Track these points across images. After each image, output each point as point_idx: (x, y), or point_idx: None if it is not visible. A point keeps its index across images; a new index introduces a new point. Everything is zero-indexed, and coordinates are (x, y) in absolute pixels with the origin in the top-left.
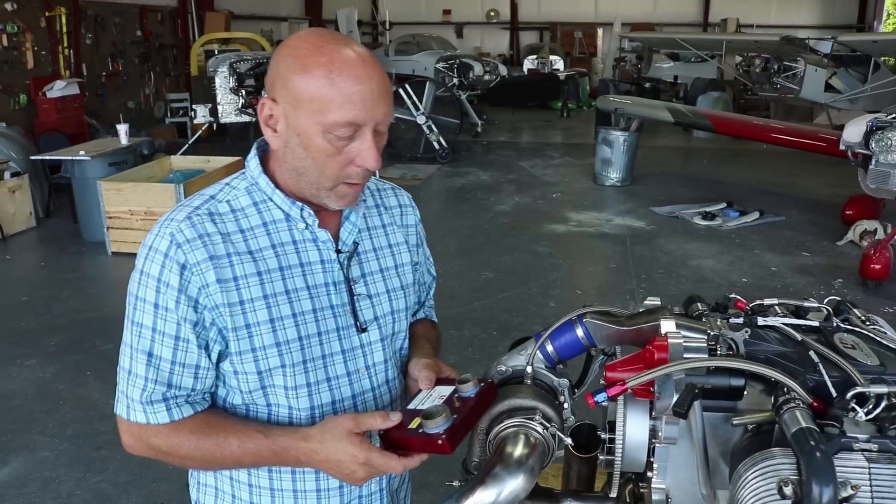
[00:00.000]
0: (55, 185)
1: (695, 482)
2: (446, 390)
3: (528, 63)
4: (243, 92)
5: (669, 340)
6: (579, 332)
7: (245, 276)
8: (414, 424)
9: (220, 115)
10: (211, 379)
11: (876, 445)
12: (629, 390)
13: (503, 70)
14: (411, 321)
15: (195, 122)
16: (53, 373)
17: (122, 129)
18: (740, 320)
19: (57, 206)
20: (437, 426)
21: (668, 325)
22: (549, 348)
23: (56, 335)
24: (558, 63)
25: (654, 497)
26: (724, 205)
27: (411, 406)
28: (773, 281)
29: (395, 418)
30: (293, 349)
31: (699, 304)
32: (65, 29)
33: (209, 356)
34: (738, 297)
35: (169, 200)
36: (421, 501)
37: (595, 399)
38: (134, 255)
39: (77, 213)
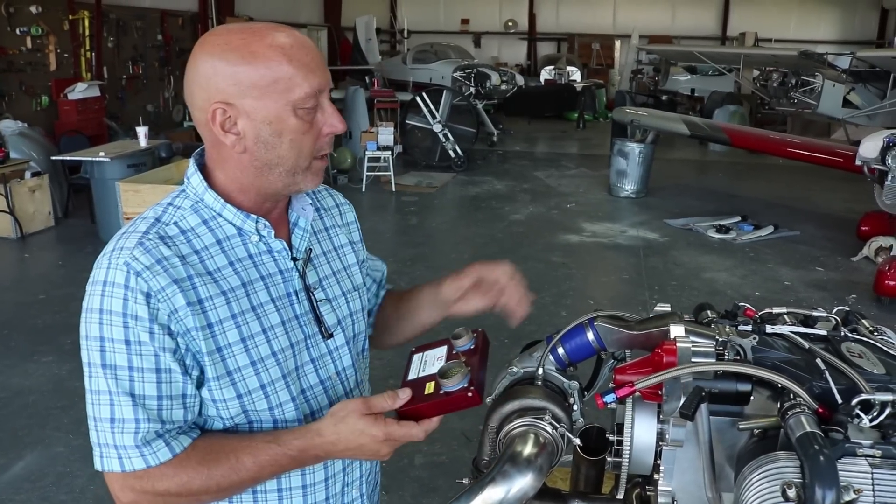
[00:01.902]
0: (74, 185)
1: (700, 485)
2: (441, 351)
3: (545, 73)
4: None
5: (678, 344)
6: (590, 335)
7: (210, 297)
8: (429, 390)
9: None
10: (198, 406)
11: (879, 451)
12: (637, 393)
13: (520, 80)
14: (382, 300)
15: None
16: (69, 370)
17: (142, 131)
18: (749, 328)
19: (75, 207)
20: (459, 382)
21: (677, 330)
22: (561, 351)
23: (72, 333)
24: (575, 74)
25: (661, 500)
26: (739, 218)
27: (411, 377)
28: (786, 295)
29: (404, 395)
30: (269, 366)
31: (709, 312)
32: (87, 32)
33: (192, 382)
34: (748, 305)
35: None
36: None
37: (604, 400)
38: None
39: (95, 213)
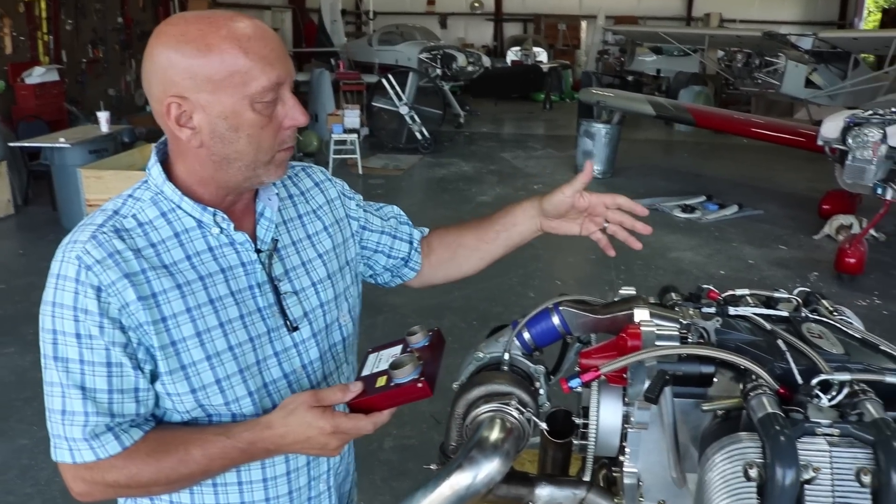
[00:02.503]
0: (34, 172)
1: (665, 466)
2: (395, 350)
3: (512, 54)
4: None
5: (642, 328)
6: (555, 320)
7: (164, 290)
8: (380, 383)
9: None
10: (152, 399)
11: (837, 430)
12: (602, 377)
13: (486, 61)
14: (430, 241)
15: None
16: (32, 361)
17: (103, 116)
18: (712, 310)
19: (36, 194)
20: (410, 373)
21: (641, 314)
22: (526, 336)
23: (35, 323)
24: (542, 55)
25: (626, 481)
26: (704, 198)
27: (365, 373)
28: (750, 273)
29: (355, 388)
30: (225, 360)
31: (673, 294)
32: (44, 14)
33: (145, 377)
34: (711, 288)
35: None
36: (400, 488)
37: (569, 385)
38: None
39: (56, 200)
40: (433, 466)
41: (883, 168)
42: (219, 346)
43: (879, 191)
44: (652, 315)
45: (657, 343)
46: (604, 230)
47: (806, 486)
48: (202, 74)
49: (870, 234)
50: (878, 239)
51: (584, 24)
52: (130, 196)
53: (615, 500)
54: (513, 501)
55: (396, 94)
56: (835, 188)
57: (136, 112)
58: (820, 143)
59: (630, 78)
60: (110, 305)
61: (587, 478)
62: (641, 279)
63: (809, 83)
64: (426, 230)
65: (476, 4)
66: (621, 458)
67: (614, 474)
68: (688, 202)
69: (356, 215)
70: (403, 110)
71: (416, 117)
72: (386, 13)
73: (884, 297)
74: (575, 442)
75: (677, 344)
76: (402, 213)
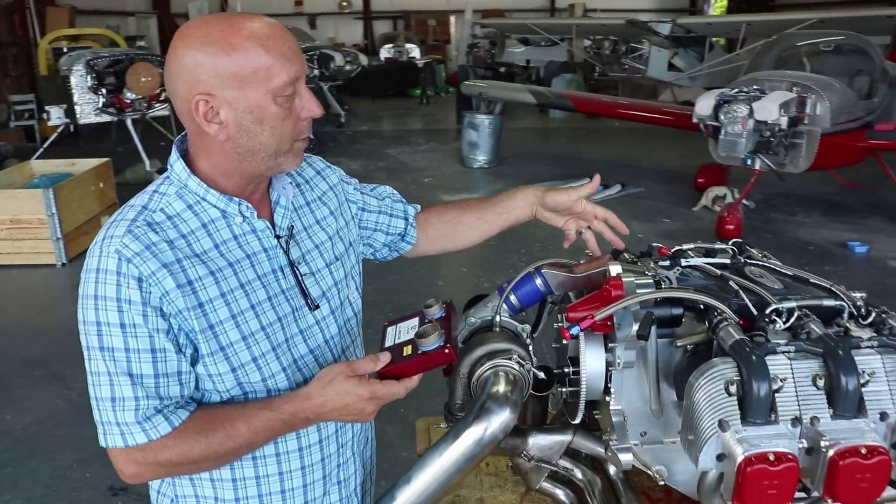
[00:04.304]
0: None
1: (644, 401)
2: (413, 322)
3: (385, 52)
4: (104, 90)
5: (623, 279)
6: (538, 281)
7: (199, 278)
8: (407, 352)
9: (78, 116)
10: (193, 382)
11: (793, 347)
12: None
13: (363, 59)
14: (429, 216)
15: (50, 123)
16: None
17: None
18: (667, 263)
19: None
20: (436, 341)
21: (616, 269)
22: (513, 298)
23: None
24: (414, 51)
25: (614, 418)
26: (588, 180)
27: (388, 345)
28: (640, 246)
29: (384, 358)
30: (259, 339)
31: (626, 255)
32: None
33: (186, 360)
34: (661, 245)
35: (38, 206)
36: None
37: (570, 332)
38: (4, 266)
39: None
40: (442, 426)
41: (752, 140)
42: (252, 326)
43: (749, 162)
44: (625, 270)
45: (638, 291)
46: (579, 234)
47: (776, 394)
48: (228, 72)
49: (742, 202)
50: (749, 206)
51: (452, 18)
52: (156, 192)
53: (604, 438)
54: (510, 451)
55: None
56: (707, 162)
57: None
58: (695, 120)
59: (502, 69)
60: (151, 294)
61: (577, 421)
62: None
63: (672, 67)
64: (419, 207)
65: (344, 3)
66: (607, 398)
67: (596, 416)
68: (573, 185)
69: (354, 199)
70: None
71: None
72: None
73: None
74: (563, 390)
75: (655, 290)
76: (395, 192)
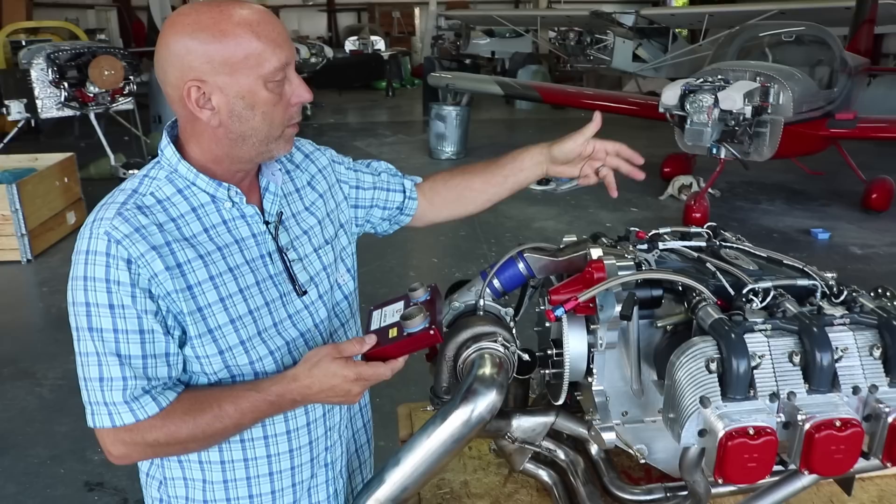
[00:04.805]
0: None
1: (625, 381)
2: (399, 305)
3: (350, 44)
4: (66, 84)
5: (605, 262)
6: (521, 265)
7: (188, 261)
8: (393, 334)
9: (39, 111)
10: (181, 364)
11: (770, 325)
12: (573, 309)
13: (329, 52)
14: (435, 184)
15: (10, 119)
16: None
17: None
18: (645, 247)
19: None
20: (421, 323)
21: (597, 252)
22: (496, 283)
23: None
24: (379, 43)
25: (597, 399)
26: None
27: (374, 328)
28: (610, 235)
29: (370, 340)
30: (246, 323)
31: (604, 239)
32: None
33: (174, 342)
34: (638, 229)
35: (1, 202)
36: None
37: (555, 314)
38: None
39: None
40: (429, 408)
41: (717, 130)
42: (240, 310)
43: (715, 150)
44: (605, 253)
45: (619, 273)
46: (597, 173)
47: (754, 370)
48: (219, 58)
49: (708, 190)
50: (715, 195)
51: (417, 10)
52: (146, 176)
53: (586, 418)
54: (494, 433)
55: None
56: (673, 152)
57: None
58: (661, 110)
59: (467, 61)
60: (140, 276)
61: (560, 402)
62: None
63: (636, 58)
64: (419, 178)
65: None
66: (589, 379)
67: (577, 397)
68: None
69: (346, 178)
70: None
71: None
72: None
73: None
74: (545, 372)
75: (636, 272)
76: (391, 166)
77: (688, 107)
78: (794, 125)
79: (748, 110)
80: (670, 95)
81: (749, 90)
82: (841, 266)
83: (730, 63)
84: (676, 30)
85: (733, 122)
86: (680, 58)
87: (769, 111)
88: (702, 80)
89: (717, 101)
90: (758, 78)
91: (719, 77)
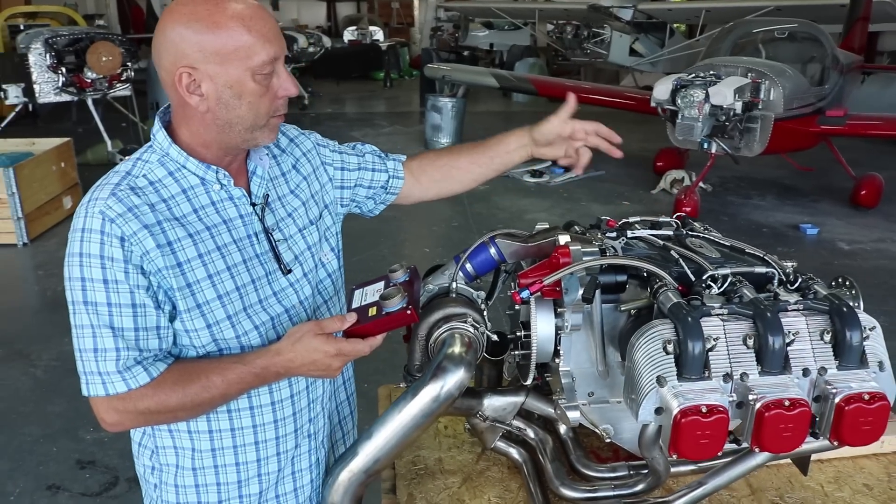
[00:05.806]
0: None
1: (591, 363)
2: (379, 285)
3: (349, 34)
4: (63, 69)
5: (571, 248)
6: (492, 250)
7: (178, 239)
8: (372, 313)
9: (37, 95)
10: (171, 337)
11: (726, 310)
12: (540, 292)
13: (327, 42)
14: (423, 163)
15: (7, 103)
16: None
17: None
18: (614, 234)
19: None
20: (399, 303)
21: (565, 238)
22: (469, 266)
23: None
24: (378, 34)
25: (563, 379)
26: (550, 163)
27: (355, 306)
28: (583, 223)
29: (350, 318)
30: (233, 299)
31: (576, 227)
32: None
33: (165, 316)
34: (609, 218)
35: None
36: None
37: (521, 296)
38: None
39: None
40: (402, 385)
41: (708, 124)
42: (227, 286)
43: (706, 145)
44: (573, 239)
45: (584, 259)
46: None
47: (709, 352)
48: (211, 48)
49: (700, 185)
50: (706, 189)
51: (416, 1)
52: (139, 159)
53: (553, 398)
54: (466, 412)
55: None
56: (666, 146)
57: None
58: (653, 104)
59: (465, 53)
60: (133, 253)
61: (528, 382)
62: None
63: (633, 52)
64: (403, 157)
65: None
66: (556, 360)
67: (547, 377)
68: (535, 167)
69: (331, 160)
70: None
71: None
72: None
73: None
74: (515, 353)
75: (600, 257)
76: (376, 148)
77: (679, 101)
78: (785, 121)
79: (738, 106)
80: (662, 90)
81: (739, 86)
82: (828, 261)
83: (722, 59)
84: (673, 25)
85: (724, 118)
86: (677, 53)
87: (759, 107)
88: (693, 75)
89: (707, 96)
90: (749, 74)
91: (711, 72)
